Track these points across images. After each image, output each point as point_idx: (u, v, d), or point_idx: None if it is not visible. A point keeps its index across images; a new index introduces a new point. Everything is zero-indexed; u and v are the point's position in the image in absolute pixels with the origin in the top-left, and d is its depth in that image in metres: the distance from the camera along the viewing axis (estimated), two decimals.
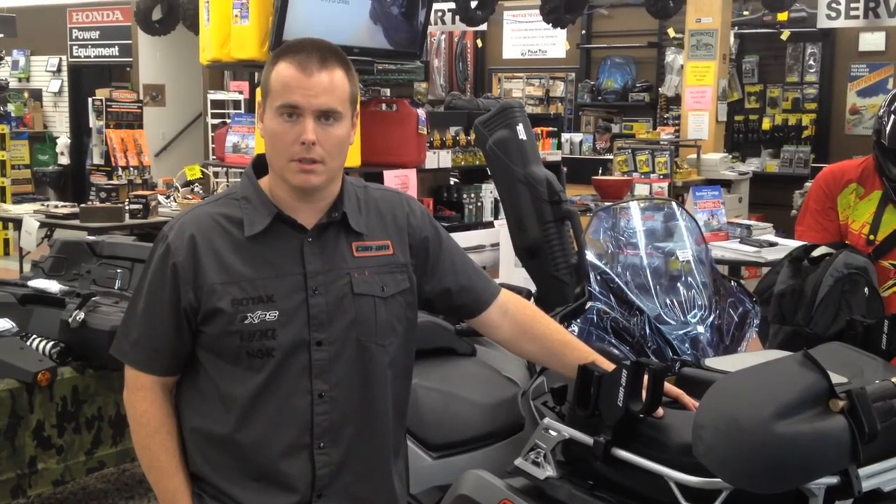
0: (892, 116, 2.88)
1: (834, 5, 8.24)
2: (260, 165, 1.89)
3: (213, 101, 10.90)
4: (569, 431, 1.95)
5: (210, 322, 1.78)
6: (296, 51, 1.79)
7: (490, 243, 5.81)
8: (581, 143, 10.50)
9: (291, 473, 1.81)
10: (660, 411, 1.85)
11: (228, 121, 5.92)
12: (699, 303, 2.37)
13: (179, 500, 1.83)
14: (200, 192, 7.31)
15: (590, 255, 2.49)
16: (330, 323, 1.81)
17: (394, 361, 1.90)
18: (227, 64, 4.98)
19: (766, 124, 10.25)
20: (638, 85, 11.10)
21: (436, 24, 10.55)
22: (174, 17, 10.33)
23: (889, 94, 3.03)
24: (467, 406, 2.58)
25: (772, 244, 4.72)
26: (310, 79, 1.75)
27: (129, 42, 12.36)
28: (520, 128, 3.31)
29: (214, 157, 5.97)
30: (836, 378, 1.80)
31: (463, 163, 6.23)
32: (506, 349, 2.15)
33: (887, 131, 2.89)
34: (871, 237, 2.97)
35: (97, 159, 8.84)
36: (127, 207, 6.55)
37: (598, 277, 2.41)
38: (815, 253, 2.75)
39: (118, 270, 3.83)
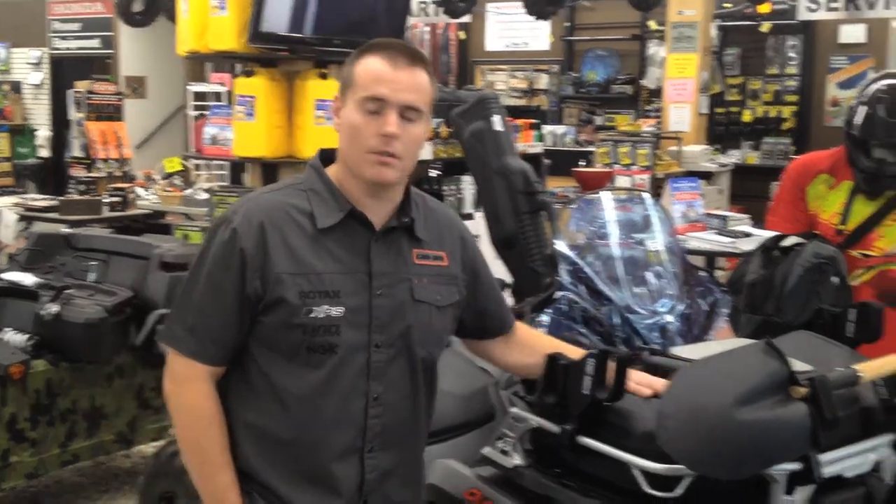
0: (863, 108, 2.91)
1: None
2: (323, 161, 1.88)
3: (194, 93, 10.84)
4: (536, 420, 1.96)
5: (272, 312, 1.75)
6: (384, 47, 1.79)
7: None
8: (564, 134, 10.51)
9: (342, 476, 1.79)
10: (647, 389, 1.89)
11: (207, 112, 5.92)
12: (668, 292, 2.38)
13: (230, 497, 1.77)
14: (180, 184, 7.30)
15: (561, 246, 2.50)
16: (389, 326, 1.80)
17: (434, 370, 1.93)
18: (206, 55, 4.95)
19: (747, 116, 10.27)
20: (620, 77, 11.11)
21: (419, 15, 10.51)
22: (155, 9, 10.26)
23: (860, 85, 3.06)
24: (440, 396, 2.58)
25: (747, 235, 4.74)
26: (398, 73, 1.75)
27: (111, 34, 12.29)
28: (495, 119, 3.31)
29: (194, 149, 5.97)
30: (800, 366, 1.81)
31: (444, 155, 6.23)
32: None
33: (857, 122, 2.91)
34: (841, 227, 3.00)
35: (77, 152, 8.79)
36: (105, 200, 6.53)
37: (569, 267, 2.42)
38: (786, 243, 2.76)
39: (92, 263, 3.82)
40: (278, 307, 1.74)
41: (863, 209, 3.00)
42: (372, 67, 1.77)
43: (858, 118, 2.91)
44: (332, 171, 1.85)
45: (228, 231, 1.77)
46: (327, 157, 1.88)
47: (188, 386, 1.78)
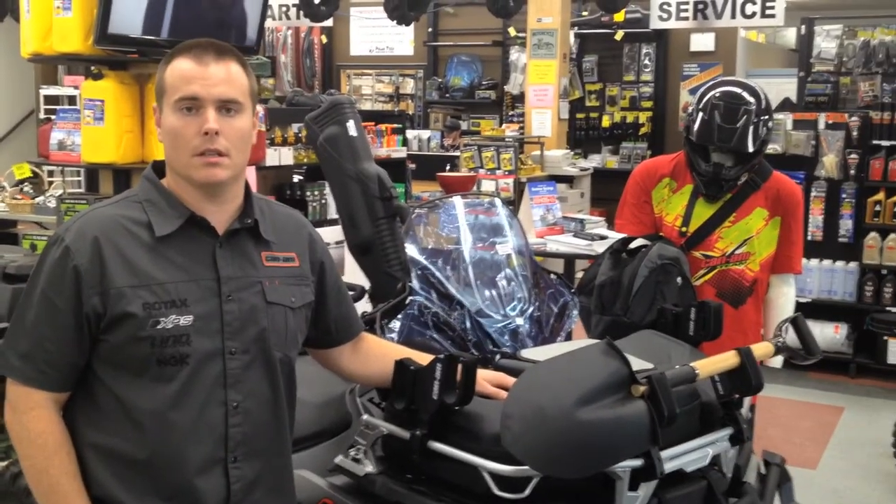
0: (700, 114, 3.02)
1: (665, 7, 8.57)
2: (157, 173, 1.83)
3: (46, 97, 10.40)
4: (387, 426, 1.96)
5: (116, 329, 1.69)
6: (191, 47, 1.77)
7: (335, 241, 5.77)
8: (429, 139, 10.58)
9: (206, 490, 1.73)
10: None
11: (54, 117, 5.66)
12: (519, 295, 2.42)
13: None
14: (30, 191, 6.97)
15: (412, 251, 2.50)
16: (243, 331, 1.76)
17: (293, 373, 1.90)
18: (50, 58, 4.75)
19: (605, 122, 10.60)
20: (484, 83, 11.28)
21: (280, 18, 10.38)
22: (2, 9, 9.80)
23: (697, 92, 3.18)
24: (296, 406, 2.55)
25: (603, 237, 4.87)
26: (207, 69, 1.73)
27: None
28: (350, 124, 3.28)
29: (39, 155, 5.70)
30: (641, 364, 1.86)
31: (306, 160, 6.18)
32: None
33: (695, 128, 3.03)
34: (684, 229, 3.11)
35: None
36: None
37: (420, 272, 2.43)
38: (633, 245, 2.86)
39: None
40: (123, 322, 1.69)
41: (703, 212, 3.12)
42: (180, 69, 1.75)
43: (696, 124, 3.03)
44: (166, 182, 1.82)
45: (60, 249, 1.72)
46: (161, 168, 1.84)
47: (29, 415, 1.71)
